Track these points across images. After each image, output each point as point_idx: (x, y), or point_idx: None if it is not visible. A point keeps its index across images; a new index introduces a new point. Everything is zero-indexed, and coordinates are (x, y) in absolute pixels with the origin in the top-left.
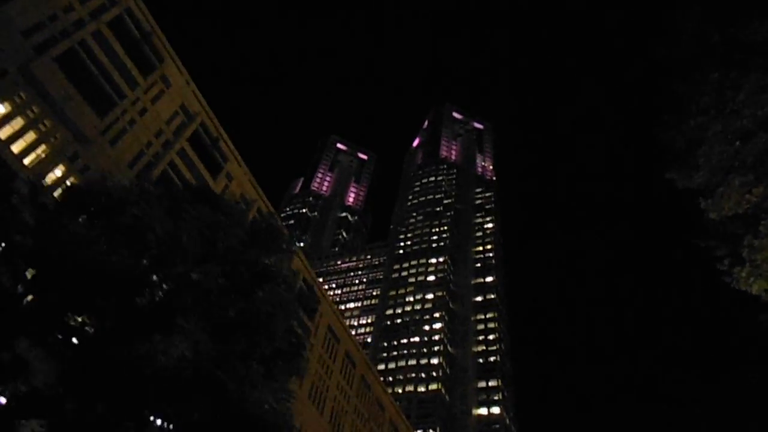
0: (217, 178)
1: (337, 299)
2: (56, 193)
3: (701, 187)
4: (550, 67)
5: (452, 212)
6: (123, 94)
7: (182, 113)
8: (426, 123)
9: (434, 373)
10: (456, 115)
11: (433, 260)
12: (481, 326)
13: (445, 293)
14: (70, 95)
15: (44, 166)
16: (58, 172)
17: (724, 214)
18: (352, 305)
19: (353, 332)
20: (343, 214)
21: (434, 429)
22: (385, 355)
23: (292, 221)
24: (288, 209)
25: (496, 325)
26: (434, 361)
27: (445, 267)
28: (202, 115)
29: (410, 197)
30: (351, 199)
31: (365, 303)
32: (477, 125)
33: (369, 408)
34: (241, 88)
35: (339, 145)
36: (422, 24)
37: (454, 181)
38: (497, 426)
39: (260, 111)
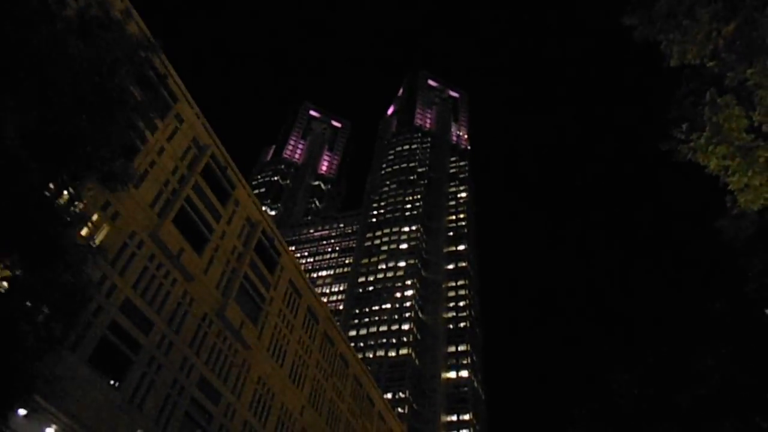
0: (227, 203)
1: (310, 267)
2: None
3: (661, 30)
4: (528, 34)
5: (426, 181)
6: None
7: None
8: (401, 91)
9: (405, 339)
10: (431, 82)
11: (406, 228)
12: (452, 293)
13: (417, 261)
14: None
15: None
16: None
17: (687, 59)
18: (324, 273)
19: (325, 300)
20: (316, 183)
21: (404, 392)
22: (356, 321)
23: (263, 189)
24: (259, 177)
25: (467, 292)
26: (405, 327)
27: (418, 235)
28: (213, 147)
29: (384, 165)
30: (324, 168)
31: (338, 271)
32: (453, 93)
33: (332, 363)
34: (214, 55)
35: (312, 113)
36: None
37: (428, 150)
38: (465, 388)
39: (232, 77)
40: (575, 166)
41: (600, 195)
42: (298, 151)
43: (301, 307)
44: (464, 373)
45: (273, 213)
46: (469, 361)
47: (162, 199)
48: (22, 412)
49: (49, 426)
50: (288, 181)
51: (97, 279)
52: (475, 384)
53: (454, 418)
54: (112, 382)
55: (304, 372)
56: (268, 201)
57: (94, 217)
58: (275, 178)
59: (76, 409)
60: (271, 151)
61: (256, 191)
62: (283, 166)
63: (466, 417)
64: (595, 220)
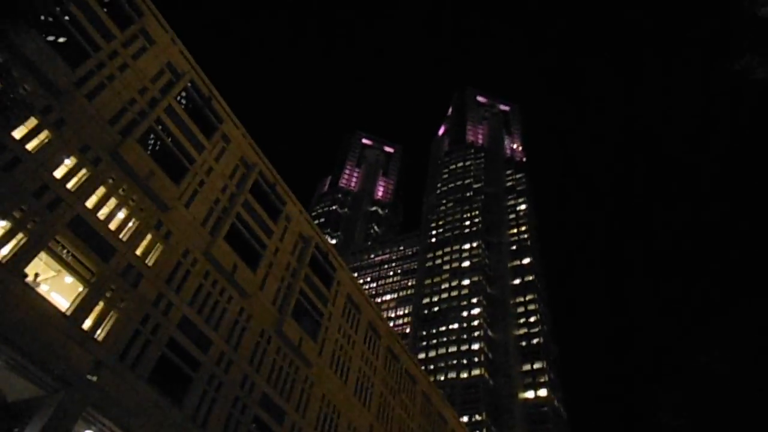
0: (278, 220)
1: (373, 292)
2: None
3: None
4: (575, 41)
5: (483, 196)
6: (192, 158)
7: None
8: (450, 110)
9: (476, 359)
10: (480, 99)
11: (467, 246)
12: (521, 309)
13: (481, 278)
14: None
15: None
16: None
17: None
18: (388, 297)
19: (391, 324)
20: (374, 209)
21: (480, 414)
22: (424, 344)
23: (322, 219)
24: (318, 208)
25: (536, 306)
26: (475, 346)
27: (480, 252)
28: (260, 165)
29: (439, 185)
30: (380, 193)
31: (401, 294)
32: (503, 107)
33: (398, 380)
34: (259, 94)
35: (364, 141)
36: (438, 9)
37: (482, 165)
38: (545, 408)
39: (282, 115)
40: (636, 166)
41: (668, 191)
42: (354, 180)
43: (362, 323)
44: (542, 392)
45: (334, 242)
46: (546, 378)
47: (213, 218)
48: None
49: None
50: (346, 209)
51: (153, 298)
52: (556, 403)
53: None
54: (173, 400)
55: (369, 389)
56: (328, 230)
57: (148, 237)
58: (333, 207)
59: (140, 430)
60: (328, 182)
61: (316, 221)
62: (340, 195)
63: None
64: (663, 218)
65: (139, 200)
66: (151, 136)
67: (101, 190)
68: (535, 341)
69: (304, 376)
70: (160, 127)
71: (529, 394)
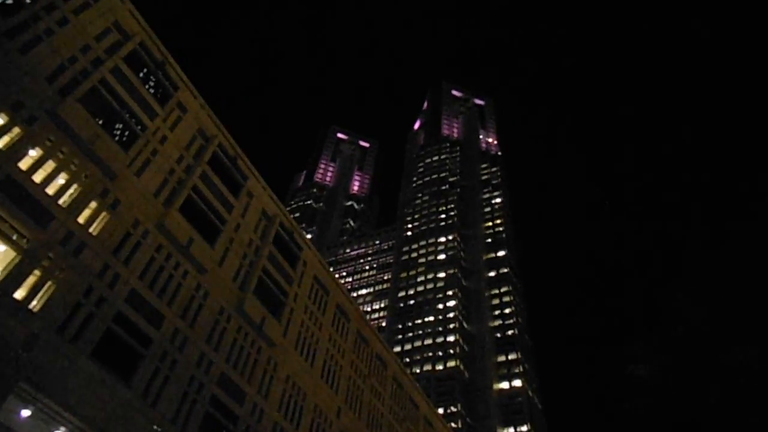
0: (239, 195)
1: (349, 287)
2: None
3: None
4: (549, 34)
5: (458, 189)
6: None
7: (200, 137)
8: (426, 104)
9: (451, 351)
10: (455, 93)
11: (443, 239)
12: (496, 301)
13: (457, 270)
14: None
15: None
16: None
17: None
18: (364, 291)
19: (367, 317)
20: (349, 203)
21: (455, 406)
22: (400, 337)
23: (297, 214)
24: (293, 203)
25: (512, 298)
26: (450, 338)
27: (455, 245)
28: (220, 137)
29: (414, 178)
30: (356, 188)
31: (377, 288)
32: (478, 101)
33: (368, 363)
34: (232, 87)
35: (340, 135)
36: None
37: (457, 159)
38: (520, 399)
39: (255, 109)
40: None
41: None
42: (329, 174)
43: (330, 305)
44: (517, 383)
45: (309, 236)
46: (521, 369)
47: (167, 189)
48: (26, 413)
49: (58, 429)
50: (321, 204)
51: (98, 269)
52: (530, 393)
53: (511, 430)
54: (120, 377)
55: (337, 372)
56: (303, 225)
57: (92, 205)
58: (308, 202)
59: (83, 408)
60: (303, 177)
61: (291, 216)
62: (315, 190)
63: (524, 428)
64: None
65: (81, 165)
66: (95, 96)
67: (37, 152)
68: (510, 332)
69: (267, 356)
70: (105, 88)
71: (504, 385)
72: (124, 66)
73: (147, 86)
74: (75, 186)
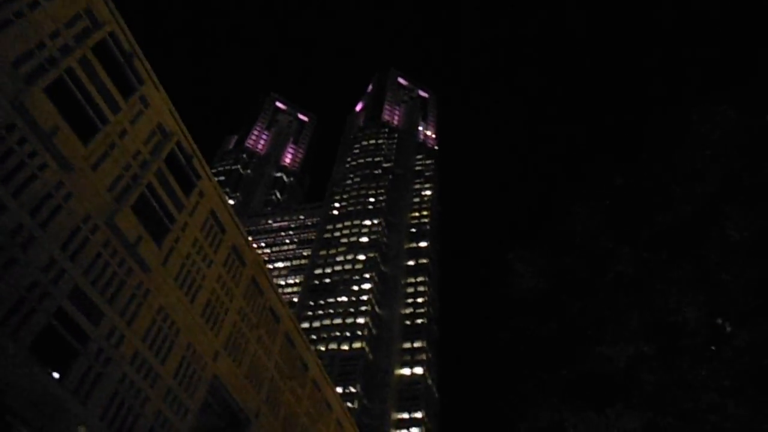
0: (190, 194)
1: (266, 258)
2: None
3: None
4: (502, 43)
5: (391, 176)
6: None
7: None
8: (370, 87)
9: (359, 332)
10: (401, 81)
11: (368, 222)
12: (410, 289)
13: (376, 255)
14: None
15: None
16: None
17: None
18: (281, 264)
19: (281, 291)
20: (279, 174)
21: (354, 386)
22: (310, 313)
23: (223, 177)
24: (219, 165)
25: (426, 289)
26: (360, 320)
27: (380, 229)
28: (179, 135)
29: (349, 159)
30: (288, 160)
31: (295, 263)
32: (422, 93)
33: (259, 314)
34: (182, 37)
35: (279, 104)
36: None
37: (394, 146)
38: (419, 386)
39: (198, 62)
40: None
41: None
42: (262, 142)
43: (224, 244)
44: (418, 370)
45: (232, 202)
46: (424, 358)
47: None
48: None
49: None
50: (249, 171)
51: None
52: (429, 381)
53: (406, 415)
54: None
55: (221, 315)
56: (227, 189)
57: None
58: (236, 167)
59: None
60: (233, 141)
61: (216, 179)
62: (244, 155)
63: (418, 415)
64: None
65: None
66: (60, 86)
67: None
68: (419, 321)
69: (138, 280)
70: (70, 79)
71: (406, 371)
72: (92, 56)
73: (112, 78)
74: None
